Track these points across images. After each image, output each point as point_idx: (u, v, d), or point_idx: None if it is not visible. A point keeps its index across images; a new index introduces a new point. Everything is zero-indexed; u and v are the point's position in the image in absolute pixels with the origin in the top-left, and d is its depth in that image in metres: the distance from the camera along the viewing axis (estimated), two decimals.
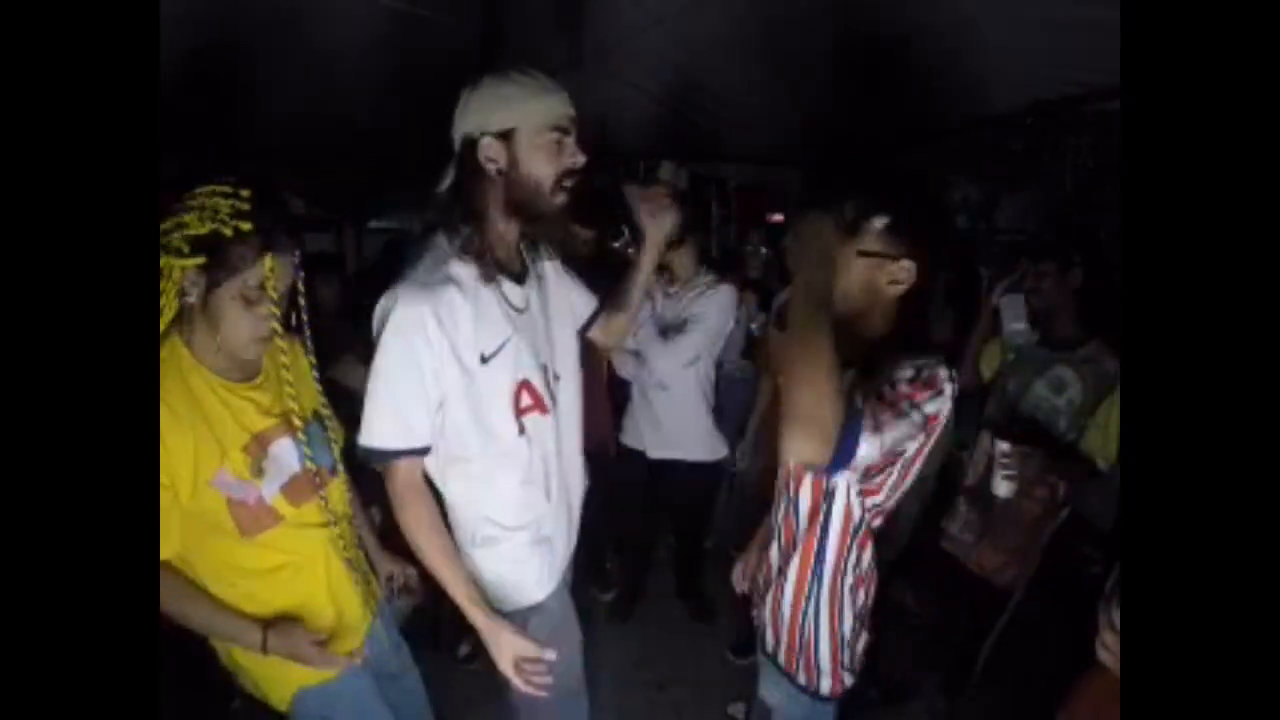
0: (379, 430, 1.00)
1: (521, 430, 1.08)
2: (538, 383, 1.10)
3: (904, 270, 0.94)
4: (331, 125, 2.39)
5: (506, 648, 1.02)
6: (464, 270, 1.01)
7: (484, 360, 1.02)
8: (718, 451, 2.20)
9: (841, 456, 0.82)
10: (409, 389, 0.98)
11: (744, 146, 2.97)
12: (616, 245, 1.32)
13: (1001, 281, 1.69)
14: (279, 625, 1.01)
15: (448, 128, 1.02)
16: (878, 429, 0.84)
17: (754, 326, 2.52)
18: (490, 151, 0.98)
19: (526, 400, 1.09)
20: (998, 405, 1.71)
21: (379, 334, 0.98)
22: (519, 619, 1.09)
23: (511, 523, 1.11)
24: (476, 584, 1.07)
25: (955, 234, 1.77)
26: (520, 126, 0.97)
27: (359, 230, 4.19)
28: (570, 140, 1.01)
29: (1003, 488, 1.41)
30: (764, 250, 2.64)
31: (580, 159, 1.02)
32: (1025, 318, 1.59)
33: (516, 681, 1.01)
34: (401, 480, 1.02)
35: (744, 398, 2.50)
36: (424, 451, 1.02)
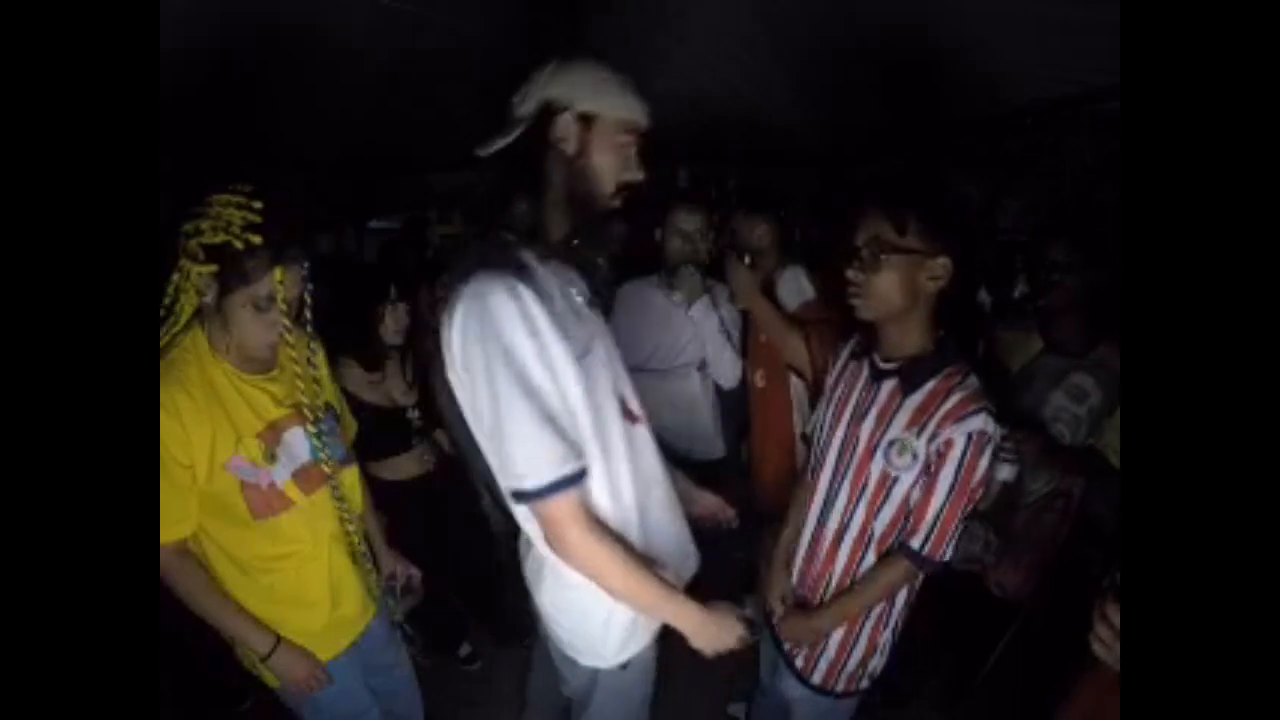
0: (524, 460, 0.81)
1: (629, 442, 0.96)
2: (628, 402, 1.00)
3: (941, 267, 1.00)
4: (332, 125, 2.39)
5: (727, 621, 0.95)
6: (532, 258, 0.90)
7: (580, 359, 0.89)
8: (717, 450, 2.19)
9: None
10: (540, 396, 0.81)
11: (744, 146, 2.97)
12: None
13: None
14: (290, 645, 1.08)
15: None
16: None
17: None
18: (567, 130, 0.89)
19: (626, 410, 0.98)
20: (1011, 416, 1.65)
21: (467, 343, 0.81)
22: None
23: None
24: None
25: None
26: (603, 115, 0.90)
27: (359, 230, 4.18)
28: (634, 151, 0.95)
29: (1004, 471, 1.39)
30: None
31: (639, 175, 0.96)
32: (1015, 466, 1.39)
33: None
34: (571, 515, 0.83)
35: (743, 396, 2.48)
36: (584, 472, 0.85)
